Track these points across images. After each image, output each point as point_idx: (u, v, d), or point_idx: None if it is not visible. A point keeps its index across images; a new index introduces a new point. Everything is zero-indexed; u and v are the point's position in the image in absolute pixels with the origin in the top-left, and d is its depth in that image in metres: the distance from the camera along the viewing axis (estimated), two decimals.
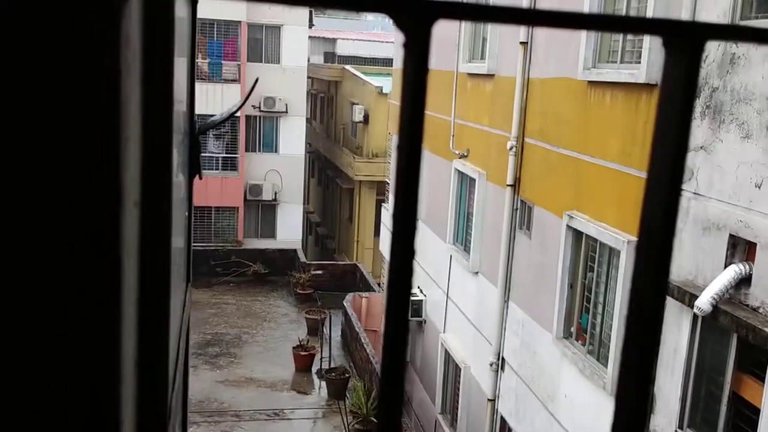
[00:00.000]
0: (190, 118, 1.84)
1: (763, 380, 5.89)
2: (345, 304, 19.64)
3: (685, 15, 6.90)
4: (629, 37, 8.25)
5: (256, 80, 3.52)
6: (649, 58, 7.48)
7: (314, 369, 17.97)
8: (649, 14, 7.48)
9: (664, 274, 0.37)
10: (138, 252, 0.72)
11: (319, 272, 23.39)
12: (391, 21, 0.31)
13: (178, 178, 1.48)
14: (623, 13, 8.27)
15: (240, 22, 25.50)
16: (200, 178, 1.93)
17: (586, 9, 8.74)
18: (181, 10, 1.36)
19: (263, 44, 26.47)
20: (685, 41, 0.33)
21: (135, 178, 0.67)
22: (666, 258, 0.37)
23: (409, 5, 0.31)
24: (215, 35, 25.57)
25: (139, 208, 0.71)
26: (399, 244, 0.34)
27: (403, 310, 0.40)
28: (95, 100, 0.46)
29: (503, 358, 11.13)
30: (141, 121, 0.70)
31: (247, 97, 2.99)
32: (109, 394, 0.61)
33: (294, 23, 26.43)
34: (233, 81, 25.60)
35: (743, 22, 6.31)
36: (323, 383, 17.21)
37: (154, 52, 0.72)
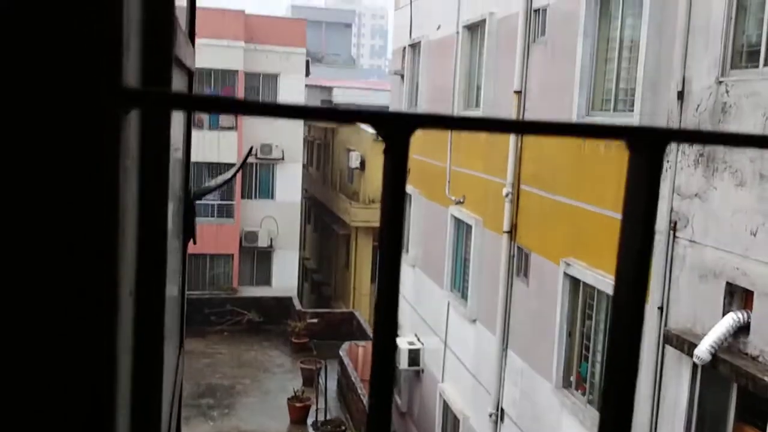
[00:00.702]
0: (185, 184, 1.86)
1: (764, 431, 5.83)
2: (341, 353, 19.44)
3: (676, 67, 7.02)
4: (622, 85, 8.38)
5: (251, 149, 3.57)
6: (642, 107, 7.59)
7: (309, 421, 17.67)
8: (640, 66, 7.60)
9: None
10: (131, 341, 0.74)
11: (315, 320, 23.19)
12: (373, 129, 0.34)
13: (173, 245, 1.49)
14: (617, 39, 8.37)
15: (237, 71, 25.88)
16: (194, 243, 1.94)
17: (576, 76, 8.88)
18: (177, 83, 1.40)
19: (260, 93, 26.80)
20: (646, 145, 0.35)
21: (130, 269, 0.69)
22: (634, 354, 0.38)
23: (389, 119, 0.33)
24: (213, 84, 25.92)
25: (133, 297, 0.72)
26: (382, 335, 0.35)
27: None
28: (93, 209, 0.48)
29: (502, 409, 10.99)
30: (137, 213, 0.72)
31: (241, 165, 3.03)
32: None
33: (291, 72, 26.82)
34: (230, 129, 25.84)
35: (734, 72, 6.42)
36: None
37: (152, 155, 0.74)
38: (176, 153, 1.48)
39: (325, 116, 0.36)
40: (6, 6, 0.47)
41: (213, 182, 2.98)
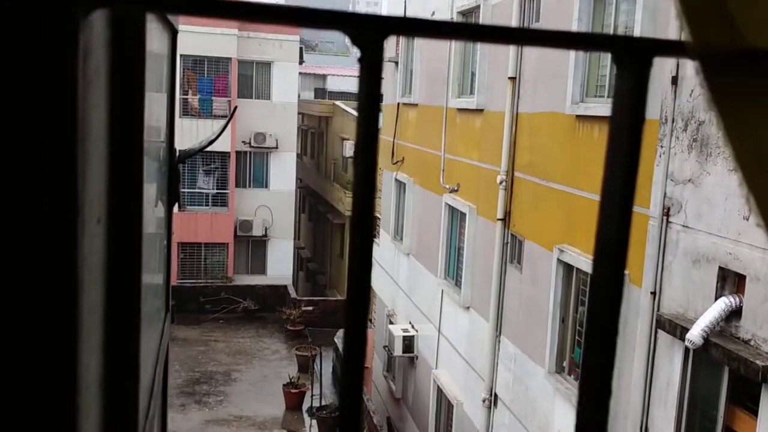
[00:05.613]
0: (170, 147, 1.84)
1: (755, 414, 5.86)
2: (336, 340, 19.49)
3: (672, 27, 6.98)
4: (616, 72, 8.36)
5: (235, 108, 3.57)
6: None
7: (305, 407, 17.74)
8: (637, 27, 7.57)
9: (618, 287, 0.38)
10: (103, 270, 0.72)
11: (310, 308, 23.25)
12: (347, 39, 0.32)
13: (158, 207, 1.47)
14: (612, 25, 8.35)
15: (230, 58, 25.73)
16: (179, 208, 1.93)
17: (571, 63, 8.86)
18: (159, 43, 1.37)
19: (254, 80, 26.67)
20: (633, 58, 0.34)
21: (99, 195, 0.66)
22: (620, 266, 0.37)
23: (361, 22, 0.32)
24: (206, 72, 25.77)
25: (104, 226, 0.70)
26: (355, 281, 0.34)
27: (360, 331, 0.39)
28: (48, 109, 0.46)
29: (496, 394, 11.03)
30: (108, 136, 0.69)
31: (225, 126, 3.01)
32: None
33: (284, 60, 26.69)
34: (224, 117, 25.72)
35: None
36: (314, 421, 16.99)
37: (123, 70, 0.72)
38: (158, 101, 1.45)
39: (288, 20, 0.34)
40: None
41: (197, 144, 2.97)
